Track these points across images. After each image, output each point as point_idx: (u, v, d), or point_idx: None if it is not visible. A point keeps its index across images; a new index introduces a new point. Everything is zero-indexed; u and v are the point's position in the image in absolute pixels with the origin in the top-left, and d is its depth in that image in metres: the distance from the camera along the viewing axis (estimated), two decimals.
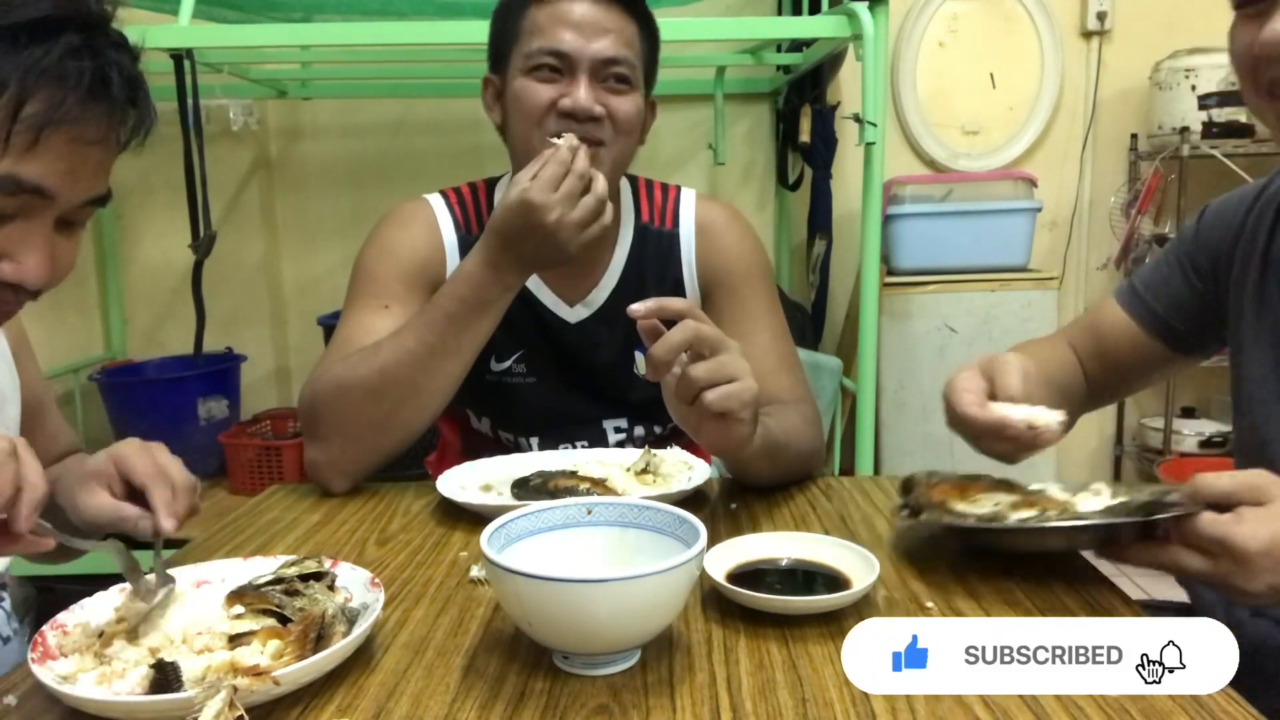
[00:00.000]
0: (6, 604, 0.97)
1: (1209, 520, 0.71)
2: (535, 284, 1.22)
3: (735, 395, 0.85)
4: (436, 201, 1.24)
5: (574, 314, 1.23)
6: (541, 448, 1.23)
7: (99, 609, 0.73)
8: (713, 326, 0.86)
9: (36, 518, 0.68)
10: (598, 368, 1.24)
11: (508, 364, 1.23)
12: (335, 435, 1.09)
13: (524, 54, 1.13)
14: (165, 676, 0.61)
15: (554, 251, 1.05)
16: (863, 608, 0.75)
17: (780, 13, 2.79)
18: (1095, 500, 0.83)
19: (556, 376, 1.24)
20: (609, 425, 1.26)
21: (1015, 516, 0.81)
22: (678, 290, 1.24)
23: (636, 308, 0.84)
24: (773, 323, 1.22)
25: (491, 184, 1.28)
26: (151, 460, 0.84)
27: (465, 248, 1.18)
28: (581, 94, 1.11)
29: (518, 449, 1.25)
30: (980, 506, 0.84)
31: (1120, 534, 0.77)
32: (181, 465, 0.86)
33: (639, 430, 1.28)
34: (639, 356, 1.24)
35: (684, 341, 0.83)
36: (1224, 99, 2.59)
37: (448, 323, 1.06)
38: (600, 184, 1.05)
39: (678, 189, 1.29)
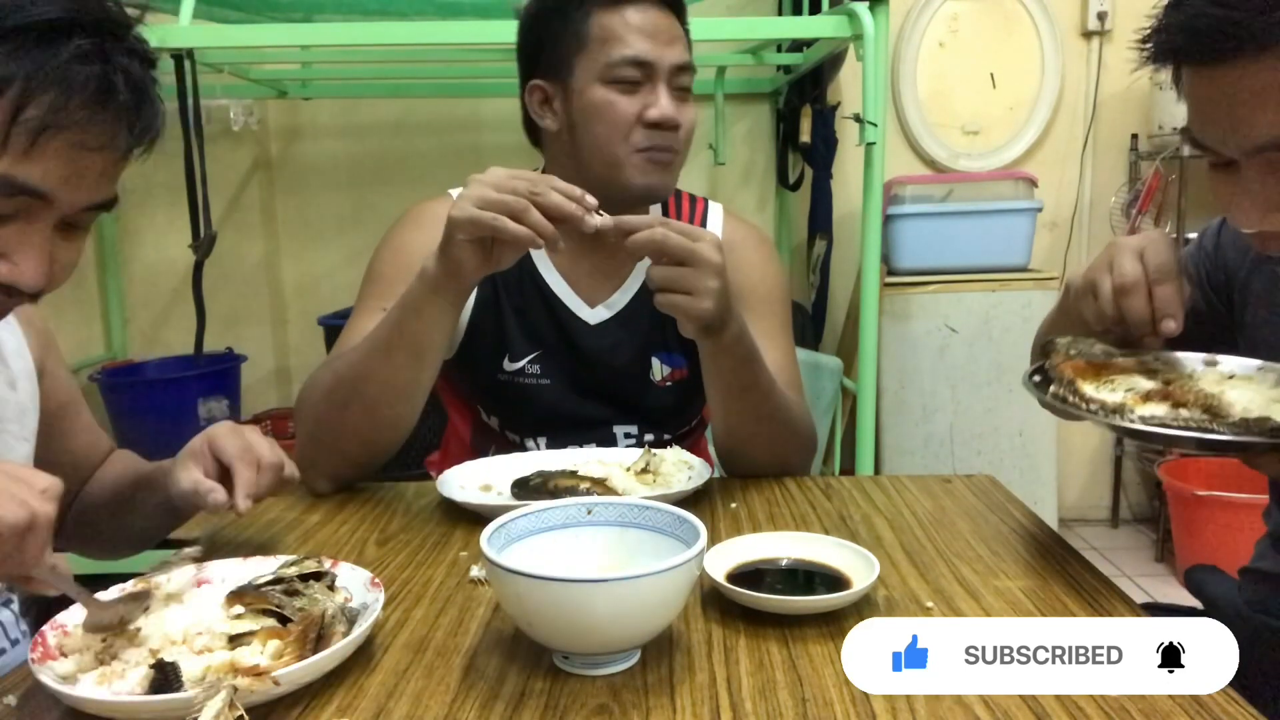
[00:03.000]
0: (15, 606, 0.97)
1: None
2: (558, 283, 1.22)
3: (678, 305, 0.94)
4: None
5: (594, 315, 1.23)
6: (549, 449, 1.23)
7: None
8: (683, 240, 0.93)
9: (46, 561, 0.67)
10: (613, 371, 1.23)
11: (521, 364, 1.22)
12: (304, 435, 1.10)
13: (602, 63, 1.12)
14: (165, 676, 0.61)
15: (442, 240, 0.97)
16: (863, 608, 0.75)
17: (780, 13, 2.79)
18: (1244, 393, 0.78)
19: (570, 379, 1.23)
20: (619, 430, 1.26)
21: (1141, 411, 0.75)
22: None
23: (594, 221, 0.91)
24: (783, 344, 1.23)
25: None
26: (241, 440, 0.89)
27: None
28: (665, 104, 1.12)
29: (523, 449, 1.24)
30: (1112, 392, 0.80)
31: (1252, 446, 0.72)
32: (273, 445, 0.91)
33: (649, 437, 1.27)
34: (655, 363, 1.24)
35: (647, 243, 0.93)
36: None
37: (387, 323, 1.04)
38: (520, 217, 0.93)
39: (705, 201, 1.31)
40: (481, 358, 1.22)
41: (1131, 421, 0.75)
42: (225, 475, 0.88)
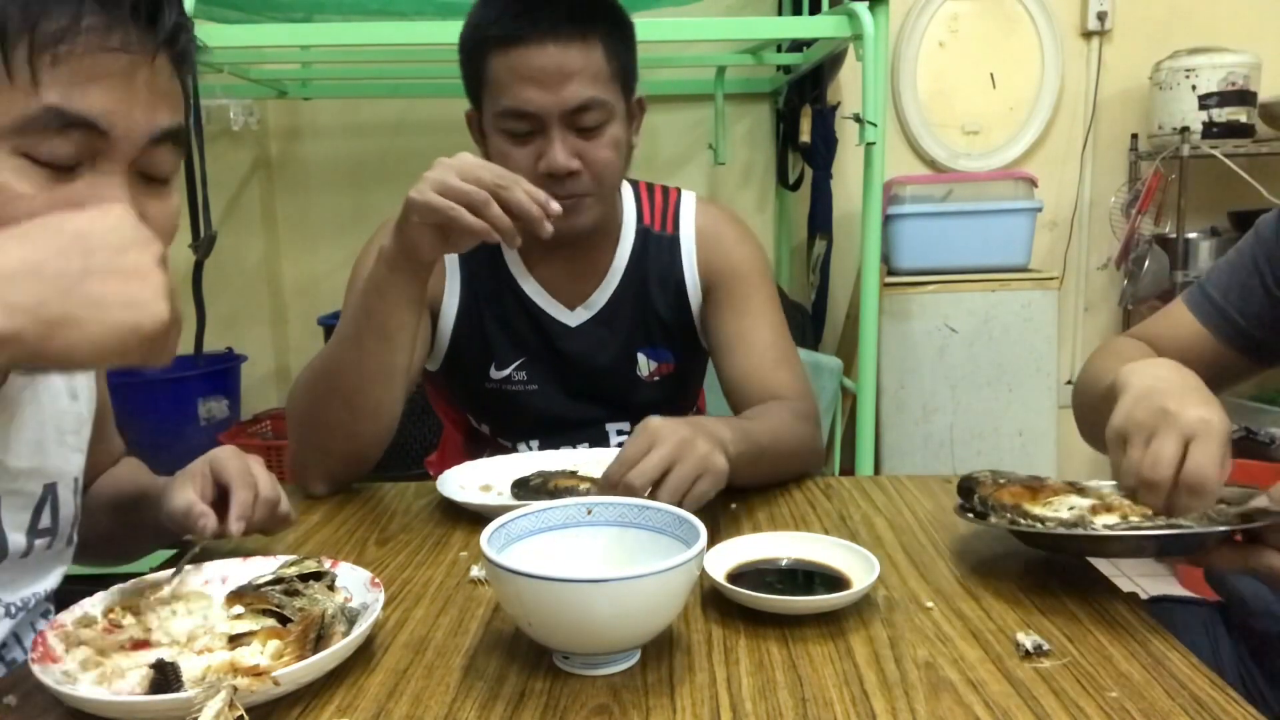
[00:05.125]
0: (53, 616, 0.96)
1: None
2: (534, 289, 1.22)
3: (704, 495, 0.88)
4: None
5: (574, 317, 1.23)
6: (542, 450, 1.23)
7: (99, 608, 0.73)
8: (649, 461, 0.86)
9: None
10: (599, 371, 1.23)
11: (507, 372, 1.23)
12: (293, 438, 1.11)
13: (494, 111, 1.09)
14: (165, 676, 0.61)
15: (399, 219, 0.98)
16: (863, 608, 0.75)
17: (780, 13, 2.79)
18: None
19: (557, 382, 1.23)
20: (611, 428, 1.26)
21: (1100, 522, 0.77)
22: (680, 292, 1.24)
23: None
24: (773, 320, 1.22)
25: None
26: (243, 464, 0.87)
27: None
28: (557, 155, 1.06)
29: (516, 452, 1.25)
30: (1057, 510, 0.81)
31: (1208, 539, 0.74)
32: (273, 480, 0.88)
33: None
34: (640, 358, 1.24)
35: (628, 492, 0.85)
36: (1224, 99, 2.59)
37: (353, 309, 1.04)
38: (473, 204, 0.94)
39: (678, 192, 1.28)
40: (467, 368, 1.22)
41: (1094, 530, 0.75)
42: (222, 501, 0.85)
